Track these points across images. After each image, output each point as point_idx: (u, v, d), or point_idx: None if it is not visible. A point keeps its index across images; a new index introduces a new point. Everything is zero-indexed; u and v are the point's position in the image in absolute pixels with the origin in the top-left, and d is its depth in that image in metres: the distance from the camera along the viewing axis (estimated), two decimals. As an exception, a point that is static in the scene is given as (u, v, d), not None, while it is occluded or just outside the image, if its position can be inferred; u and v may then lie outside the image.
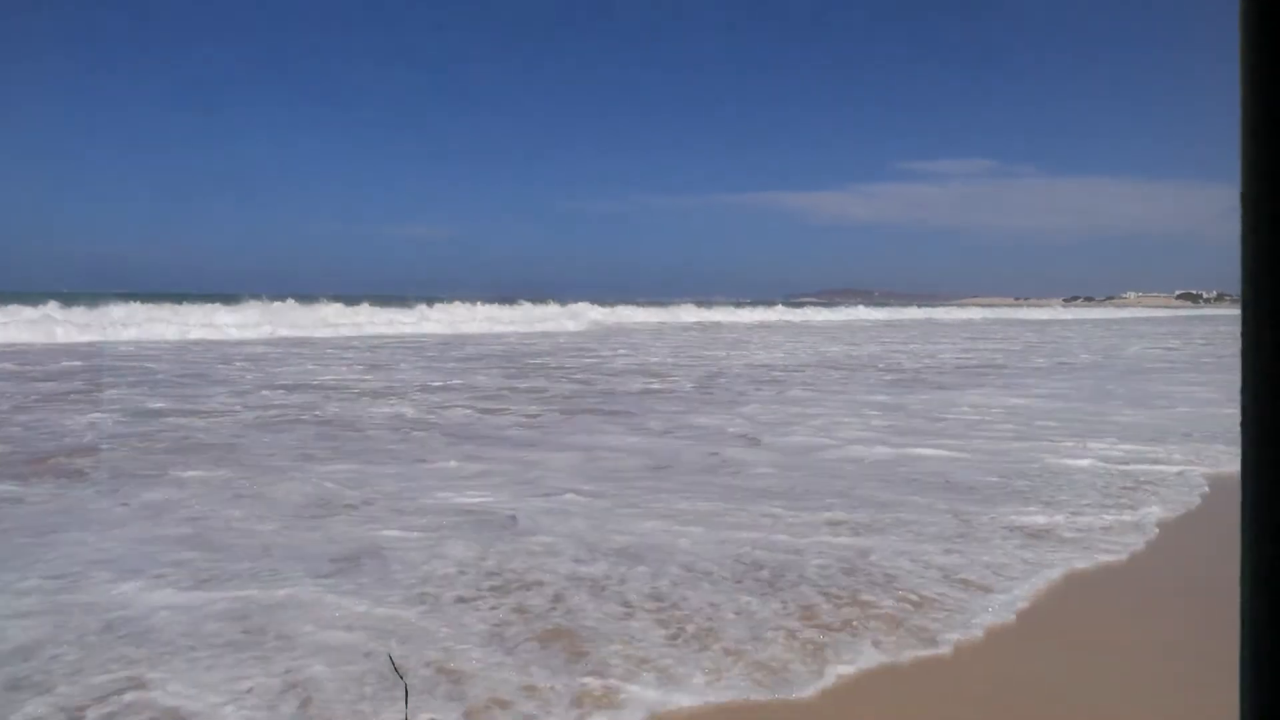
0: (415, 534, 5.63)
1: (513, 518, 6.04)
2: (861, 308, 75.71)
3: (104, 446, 8.47)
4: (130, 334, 26.93)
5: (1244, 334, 0.58)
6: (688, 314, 54.45)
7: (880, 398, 13.13)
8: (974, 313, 78.53)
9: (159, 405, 11.37)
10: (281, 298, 39.43)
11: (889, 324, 53.99)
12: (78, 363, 17.90)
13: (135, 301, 34.46)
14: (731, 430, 9.87)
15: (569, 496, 6.65)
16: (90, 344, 23.62)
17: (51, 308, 29.33)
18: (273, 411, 10.98)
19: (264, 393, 12.95)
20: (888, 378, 16.61)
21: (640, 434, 9.68)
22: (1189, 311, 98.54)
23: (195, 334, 27.95)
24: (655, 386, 14.72)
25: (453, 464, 7.85)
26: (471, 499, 6.53)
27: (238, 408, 11.22)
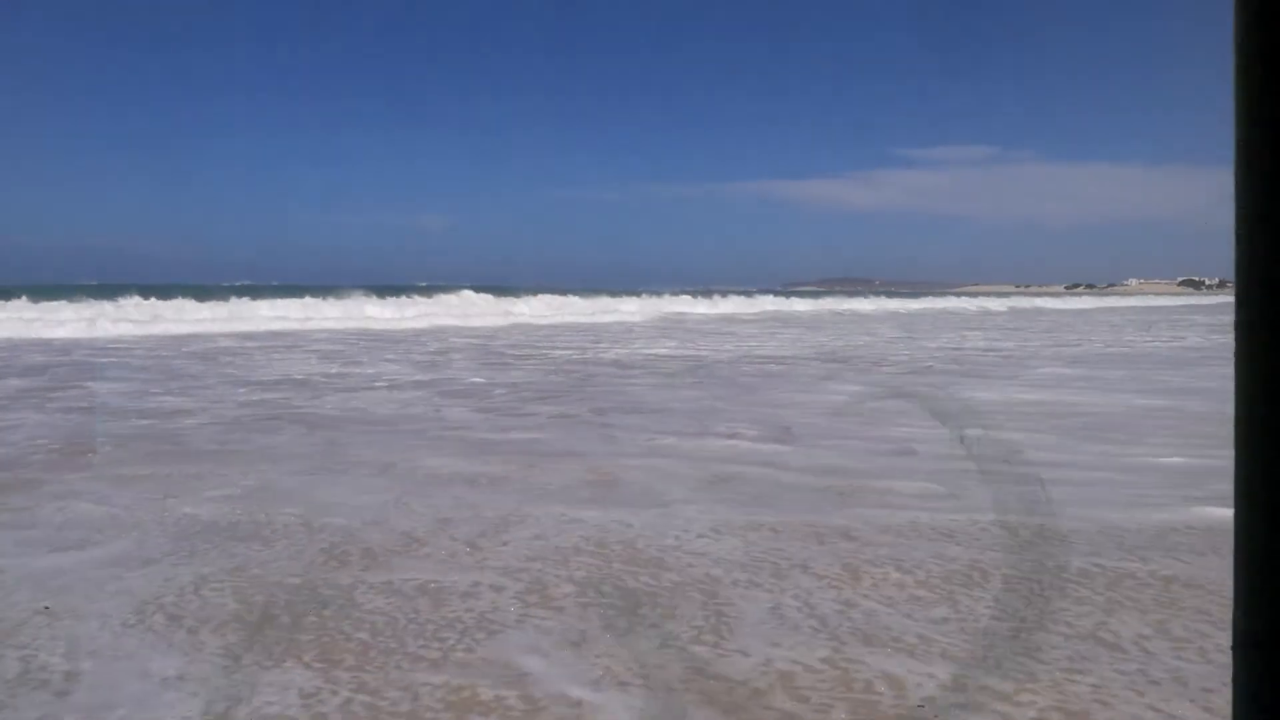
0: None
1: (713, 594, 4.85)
2: (951, 298, 75.00)
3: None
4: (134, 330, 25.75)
5: (1237, 334, 0.59)
6: (743, 304, 54.18)
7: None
8: (1010, 301, 77.57)
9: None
10: (299, 290, 38.30)
11: (987, 314, 52.31)
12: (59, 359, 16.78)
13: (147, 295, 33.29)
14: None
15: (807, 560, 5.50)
16: (71, 340, 22.47)
17: (22, 303, 28.41)
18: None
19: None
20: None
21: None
22: (1213, 299, 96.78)
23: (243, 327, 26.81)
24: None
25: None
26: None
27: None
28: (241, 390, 12.94)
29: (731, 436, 8.95)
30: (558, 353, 20.42)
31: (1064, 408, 11.08)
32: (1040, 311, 58.94)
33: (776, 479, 7.09)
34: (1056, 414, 10.48)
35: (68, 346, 21.31)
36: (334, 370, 16.01)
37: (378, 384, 13.82)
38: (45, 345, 21.58)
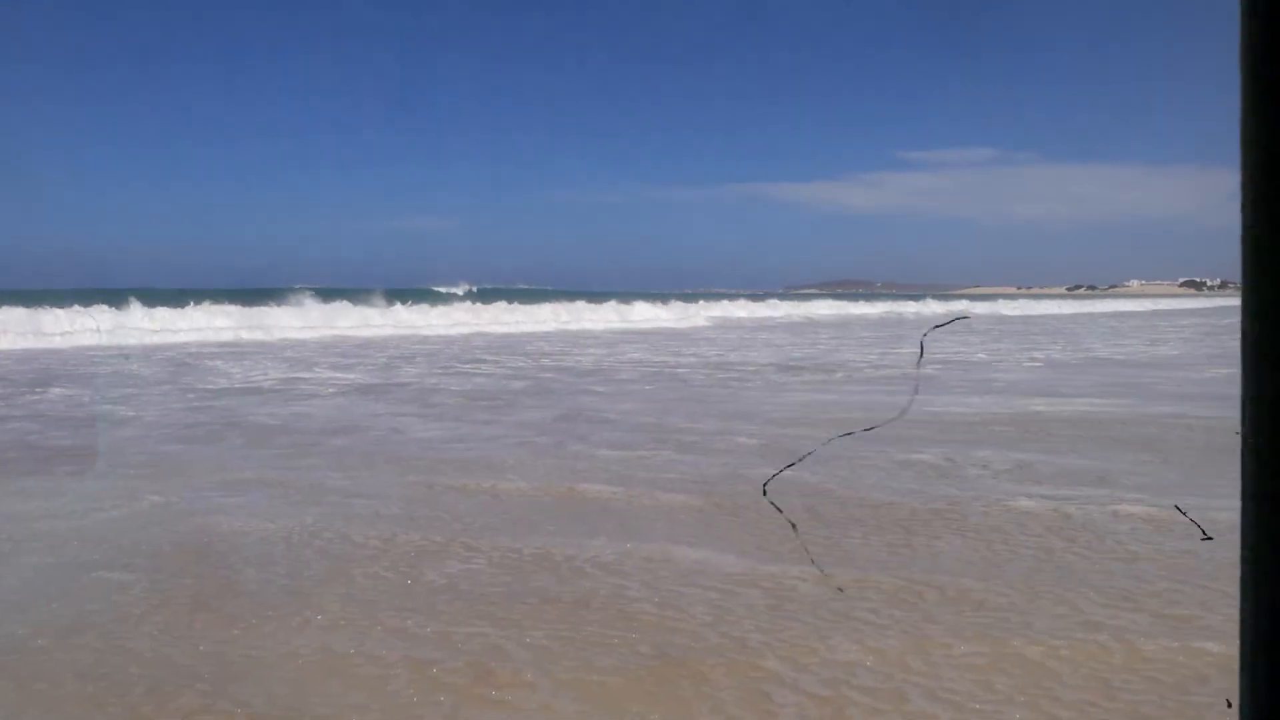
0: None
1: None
2: (1008, 300, 73.97)
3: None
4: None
5: (1244, 331, 0.59)
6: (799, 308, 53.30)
7: None
8: (1049, 304, 75.60)
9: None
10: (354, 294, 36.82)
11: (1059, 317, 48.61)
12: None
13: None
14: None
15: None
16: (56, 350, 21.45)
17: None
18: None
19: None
20: None
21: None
22: (1227, 301, 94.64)
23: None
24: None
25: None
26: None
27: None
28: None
29: None
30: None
31: None
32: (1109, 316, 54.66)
33: None
34: None
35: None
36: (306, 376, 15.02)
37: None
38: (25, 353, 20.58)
